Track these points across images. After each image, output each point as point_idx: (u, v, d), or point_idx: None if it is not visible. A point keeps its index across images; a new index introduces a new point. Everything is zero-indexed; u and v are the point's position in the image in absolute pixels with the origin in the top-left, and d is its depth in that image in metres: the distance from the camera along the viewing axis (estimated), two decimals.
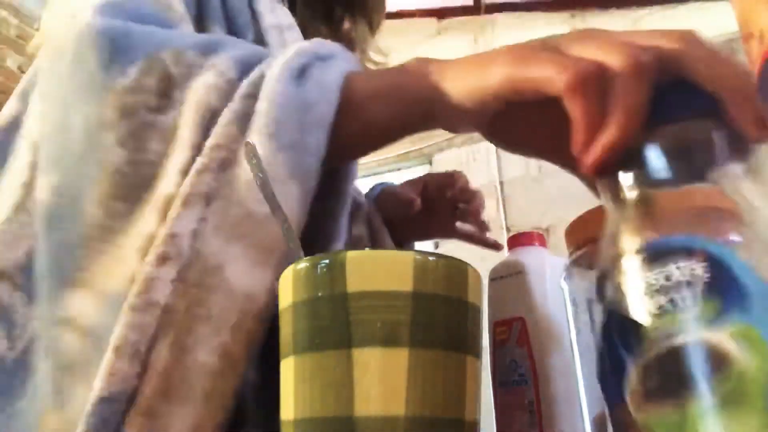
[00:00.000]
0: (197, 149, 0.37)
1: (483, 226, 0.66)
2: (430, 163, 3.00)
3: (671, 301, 0.23)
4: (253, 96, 0.38)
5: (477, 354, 0.27)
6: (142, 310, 0.34)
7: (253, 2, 0.58)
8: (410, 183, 0.68)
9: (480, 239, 0.65)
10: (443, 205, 0.65)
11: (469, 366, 0.26)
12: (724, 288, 0.23)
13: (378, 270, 0.25)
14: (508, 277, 0.52)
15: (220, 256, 0.35)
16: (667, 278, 0.24)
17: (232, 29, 0.55)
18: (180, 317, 0.34)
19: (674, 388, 0.22)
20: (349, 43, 0.73)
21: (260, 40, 0.56)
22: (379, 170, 2.97)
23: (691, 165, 0.27)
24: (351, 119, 0.39)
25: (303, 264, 0.27)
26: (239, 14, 0.56)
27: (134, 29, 0.41)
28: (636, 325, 0.24)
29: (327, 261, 0.26)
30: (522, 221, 2.76)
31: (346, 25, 0.73)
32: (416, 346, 0.25)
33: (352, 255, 0.26)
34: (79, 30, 0.41)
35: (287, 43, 0.56)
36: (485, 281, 0.32)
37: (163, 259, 0.34)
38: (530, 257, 0.53)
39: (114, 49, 0.40)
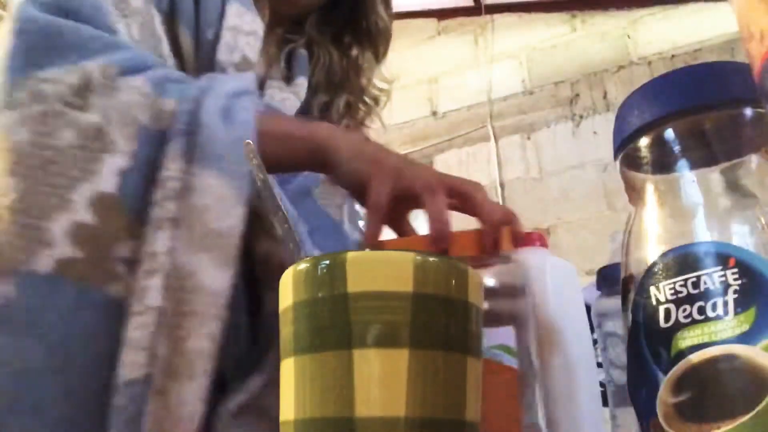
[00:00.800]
0: (134, 158, 0.44)
1: None
2: (431, 164, 3.00)
3: (700, 310, 0.22)
4: (192, 133, 0.45)
5: (477, 355, 0.27)
6: (141, 314, 0.41)
7: (226, 3, 0.60)
8: None
9: None
10: None
11: (470, 367, 0.26)
12: (756, 296, 0.21)
13: (378, 271, 0.25)
14: None
15: (192, 265, 0.43)
16: (695, 286, 0.22)
17: (199, 27, 0.58)
18: (170, 315, 0.42)
19: (706, 405, 0.21)
20: (358, 69, 0.75)
21: (217, 37, 0.58)
22: None
23: (711, 154, 0.26)
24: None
25: (303, 265, 0.27)
26: (209, 12, 0.58)
27: (69, 31, 0.46)
28: (664, 336, 0.23)
29: (327, 261, 0.26)
30: (522, 222, 2.75)
31: (355, 51, 0.75)
32: (416, 347, 0.25)
33: (352, 256, 0.26)
34: (14, 15, 0.46)
35: (239, 46, 0.60)
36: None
37: (150, 273, 0.42)
38: (531, 258, 0.53)
39: (44, 45, 0.45)
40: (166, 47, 0.55)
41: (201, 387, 0.42)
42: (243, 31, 0.60)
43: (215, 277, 0.43)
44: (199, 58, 0.57)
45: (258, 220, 0.52)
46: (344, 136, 0.52)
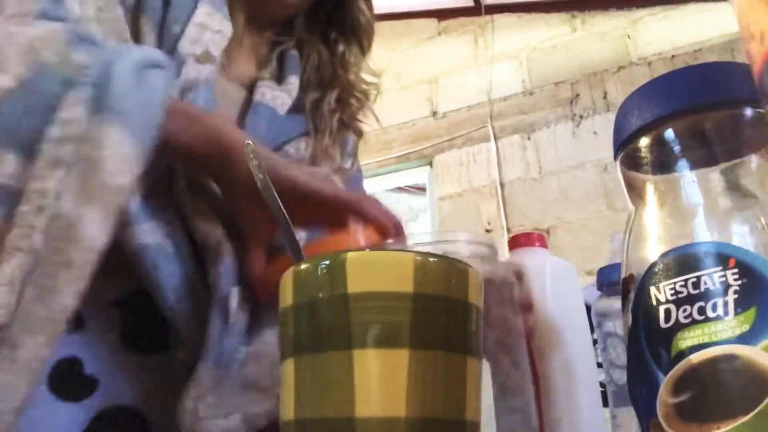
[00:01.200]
0: (22, 84, 0.42)
1: None
2: (431, 164, 3.00)
3: (700, 310, 0.22)
4: (101, 86, 0.44)
5: (478, 355, 0.27)
6: (24, 252, 0.40)
7: (198, 4, 0.60)
8: None
9: None
10: None
11: (470, 367, 0.26)
12: (756, 296, 0.21)
13: (379, 271, 0.25)
14: None
15: (77, 215, 0.41)
16: (696, 286, 0.22)
17: (165, 23, 0.58)
18: (45, 262, 0.40)
19: (706, 405, 0.21)
20: (346, 64, 0.76)
21: (182, 32, 0.58)
22: (380, 171, 2.96)
23: (711, 154, 0.26)
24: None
25: (304, 265, 0.27)
26: (179, 10, 0.58)
27: None
28: (664, 336, 0.23)
29: (327, 262, 0.26)
30: (523, 222, 2.75)
31: (341, 47, 0.76)
32: (417, 347, 0.25)
33: (352, 256, 0.26)
34: None
35: (203, 40, 0.59)
36: None
37: (39, 210, 0.40)
38: (531, 258, 0.53)
39: None
40: (128, 37, 0.55)
41: (49, 345, 0.40)
42: (210, 29, 0.60)
43: (96, 232, 0.42)
44: (162, 49, 0.57)
45: (194, 200, 0.53)
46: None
